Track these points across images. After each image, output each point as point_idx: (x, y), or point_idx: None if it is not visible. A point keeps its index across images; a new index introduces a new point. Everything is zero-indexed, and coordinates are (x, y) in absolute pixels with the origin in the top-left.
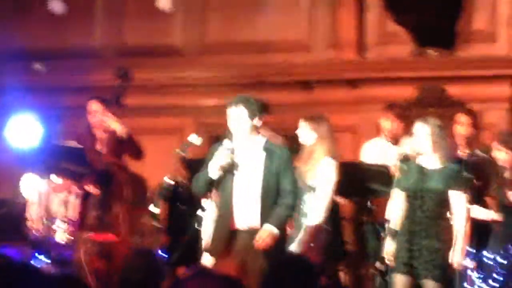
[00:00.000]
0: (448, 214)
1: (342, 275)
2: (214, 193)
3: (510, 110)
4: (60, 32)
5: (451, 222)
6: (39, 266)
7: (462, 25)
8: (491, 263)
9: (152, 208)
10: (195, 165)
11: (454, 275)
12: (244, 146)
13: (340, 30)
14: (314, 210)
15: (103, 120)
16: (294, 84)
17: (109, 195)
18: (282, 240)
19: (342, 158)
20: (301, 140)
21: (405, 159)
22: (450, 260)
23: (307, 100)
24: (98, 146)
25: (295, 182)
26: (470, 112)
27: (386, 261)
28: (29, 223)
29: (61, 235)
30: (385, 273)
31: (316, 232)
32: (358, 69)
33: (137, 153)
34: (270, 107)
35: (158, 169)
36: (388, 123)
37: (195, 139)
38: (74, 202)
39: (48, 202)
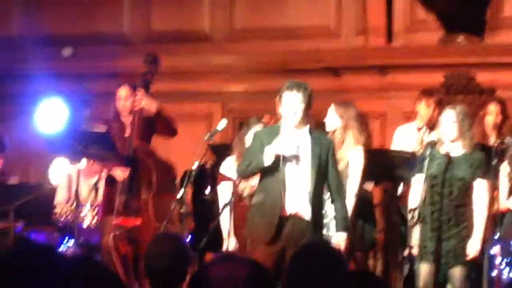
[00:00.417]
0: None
1: (371, 262)
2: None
3: None
4: (89, 19)
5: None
6: (65, 251)
7: (491, 12)
8: None
9: (179, 194)
10: (221, 150)
11: (481, 261)
12: (292, 133)
13: (368, 16)
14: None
15: (134, 100)
16: (322, 70)
17: (137, 181)
18: (321, 227)
19: (371, 144)
20: (328, 127)
21: (432, 146)
22: (468, 250)
23: (335, 87)
24: (126, 133)
25: (339, 176)
26: (499, 101)
27: (412, 251)
28: (57, 209)
29: (90, 220)
30: (413, 261)
31: None
32: (387, 56)
33: (170, 130)
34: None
35: (186, 155)
36: (425, 108)
37: (223, 125)
38: (104, 188)
39: (78, 187)
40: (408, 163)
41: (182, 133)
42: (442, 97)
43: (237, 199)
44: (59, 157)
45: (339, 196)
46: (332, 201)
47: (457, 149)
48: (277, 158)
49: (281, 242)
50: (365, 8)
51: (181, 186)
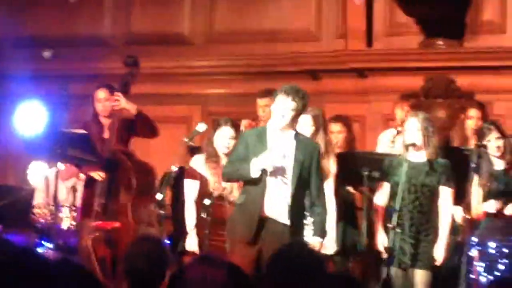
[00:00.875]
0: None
1: (350, 264)
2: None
3: None
4: (69, 20)
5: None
6: (44, 253)
7: (471, 16)
8: (494, 252)
9: (158, 196)
10: (201, 152)
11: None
12: (277, 136)
13: (348, 20)
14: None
15: (113, 101)
16: (301, 73)
17: (116, 183)
18: (300, 231)
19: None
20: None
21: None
22: (434, 255)
23: (315, 90)
24: (105, 135)
25: (321, 184)
26: (480, 106)
27: (382, 255)
28: (35, 211)
29: (68, 223)
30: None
31: None
32: (366, 59)
33: (152, 130)
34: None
35: (165, 157)
36: (400, 112)
37: (202, 127)
38: (82, 190)
39: (56, 189)
40: (376, 163)
41: (161, 136)
42: (416, 101)
43: (217, 200)
44: (37, 160)
45: (319, 200)
46: (312, 205)
47: (421, 156)
48: (264, 172)
49: (260, 243)
50: (345, 12)
51: (160, 188)
